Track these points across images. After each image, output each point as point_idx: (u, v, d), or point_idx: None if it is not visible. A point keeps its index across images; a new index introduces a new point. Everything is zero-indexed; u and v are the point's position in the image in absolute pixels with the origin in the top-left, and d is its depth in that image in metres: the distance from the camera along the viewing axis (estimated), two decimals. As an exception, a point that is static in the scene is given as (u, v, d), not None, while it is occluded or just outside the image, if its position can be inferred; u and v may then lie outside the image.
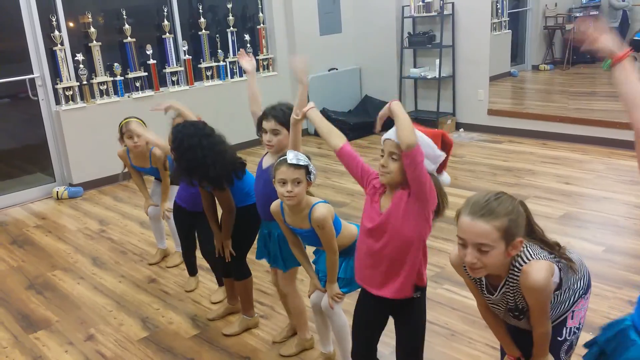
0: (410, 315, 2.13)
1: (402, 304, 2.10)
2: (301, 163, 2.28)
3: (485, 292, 1.88)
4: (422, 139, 1.96)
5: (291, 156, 2.29)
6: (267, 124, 2.61)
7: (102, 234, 4.75)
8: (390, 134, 1.98)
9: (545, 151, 6.02)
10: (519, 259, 1.74)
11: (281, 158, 2.32)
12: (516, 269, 1.74)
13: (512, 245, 1.67)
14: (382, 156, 1.99)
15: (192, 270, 3.76)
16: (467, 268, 1.75)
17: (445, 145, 2.03)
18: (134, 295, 3.67)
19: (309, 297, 2.67)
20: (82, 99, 5.83)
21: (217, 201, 3.00)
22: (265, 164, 2.70)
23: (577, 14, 10.20)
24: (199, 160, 2.70)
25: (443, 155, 2.01)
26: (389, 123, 2.02)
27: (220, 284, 3.57)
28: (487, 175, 5.32)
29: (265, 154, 2.75)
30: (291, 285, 2.84)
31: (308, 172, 2.31)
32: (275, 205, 2.46)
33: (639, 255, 3.64)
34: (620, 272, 3.48)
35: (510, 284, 1.77)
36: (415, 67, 7.40)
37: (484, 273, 1.74)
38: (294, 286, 2.85)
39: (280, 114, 2.61)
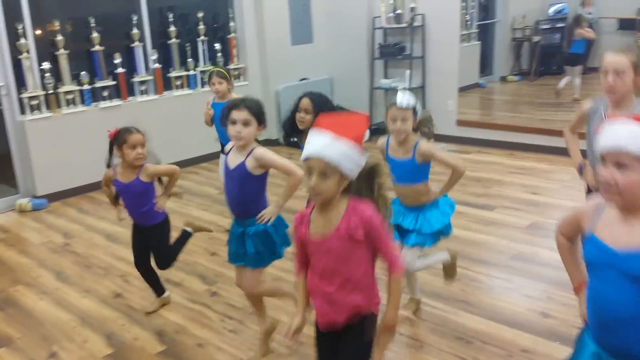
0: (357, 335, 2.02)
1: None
2: (410, 105, 2.83)
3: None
4: (345, 151, 1.82)
5: (401, 99, 2.82)
6: (239, 114, 2.54)
7: (67, 247, 4.64)
8: (313, 150, 1.84)
9: (512, 161, 6.09)
10: None
11: (392, 102, 2.85)
12: None
13: (638, 74, 2.57)
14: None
15: (160, 288, 3.60)
16: (606, 90, 2.62)
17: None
18: (98, 311, 3.58)
19: None
20: (47, 108, 5.71)
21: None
22: (231, 164, 2.64)
23: (545, 26, 10.39)
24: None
25: (365, 158, 1.89)
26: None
27: (158, 294, 3.57)
28: (456, 185, 5.33)
29: (228, 152, 2.68)
30: (256, 286, 2.82)
31: (415, 113, 2.86)
32: (381, 141, 3.01)
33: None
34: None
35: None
36: (386, 77, 7.45)
37: (617, 92, 2.60)
38: (259, 286, 2.84)
39: (254, 105, 2.58)
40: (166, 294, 3.60)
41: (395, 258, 1.94)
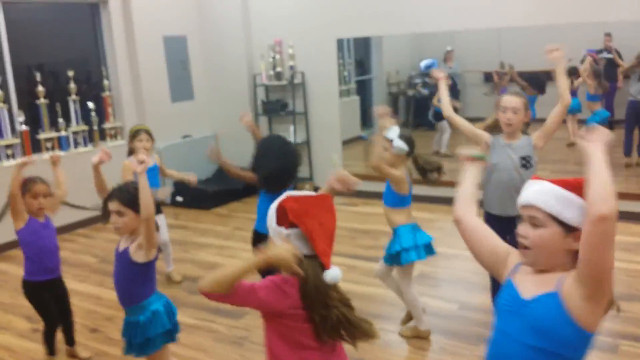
0: None
1: None
2: (389, 137, 3.37)
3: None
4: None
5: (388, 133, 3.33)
6: (111, 205, 2.55)
7: None
8: None
9: (397, 211, 6.24)
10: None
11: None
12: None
13: (526, 115, 3.22)
14: None
15: (53, 349, 3.46)
16: (505, 124, 3.21)
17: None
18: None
19: None
20: None
21: None
22: (121, 247, 2.62)
23: (417, 80, 11.04)
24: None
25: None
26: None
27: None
28: (347, 239, 5.38)
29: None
30: None
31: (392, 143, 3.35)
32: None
33: (489, 309, 3.82)
34: (475, 329, 3.62)
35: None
36: (270, 133, 7.46)
37: (514, 126, 3.21)
38: None
39: (125, 195, 2.54)
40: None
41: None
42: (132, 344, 2.64)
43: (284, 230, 1.79)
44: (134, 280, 2.59)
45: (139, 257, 2.54)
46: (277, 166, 3.12)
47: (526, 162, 3.21)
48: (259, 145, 3.33)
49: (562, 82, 3.16)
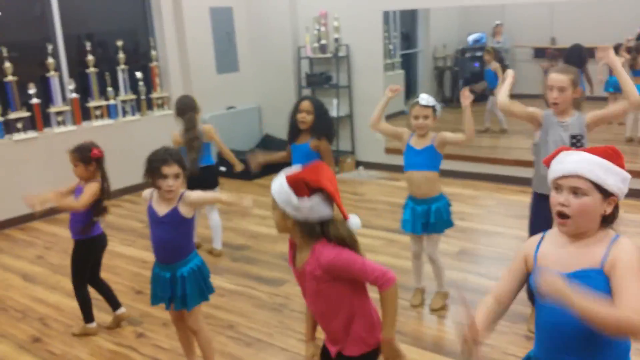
0: None
1: None
2: (430, 104, 3.33)
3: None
4: (281, 188, 1.92)
5: (423, 98, 3.34)
6: (170, 169, 2.62)
7: (-23, 290, 4.30)
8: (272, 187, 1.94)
9: (439, 187, 6.20)
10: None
11: (415, 101, 3.34)
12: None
13: (575, 91, 2.99)
14: None
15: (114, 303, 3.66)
16: (551, 104, 3.04)
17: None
18: (15, 357, 3.32)
19: None
20: (-46, 141, 5.34)
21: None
22: (160, 211, 2.70)
23: (466, 55, 10.80)
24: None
25: (306, 204, 1.88)
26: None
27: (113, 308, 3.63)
28: (387, 212, 5.38)
29: (150, 199, 2.76)
30: (199, 321, 2.87)
31: (435, 111, 3.35)
32: (407, 135, 3.49)
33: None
34: (514, 306, 3.55)
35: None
36: (313, 106, 7.46)
37: (560, 105, 3.02)
38: (202, 321, 2.90)
39: (180, 158, 2.69)
40: (121, 310, 3.63)
41: (379, 276, 1.91)
42: (174, 297, 2.74)
43: (307, 201, 1.87)
44: (184, 235, 2.74)
45: (187, 212, 2.70)
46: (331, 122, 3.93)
47: (577, 141, 3.07)
48: (319, 109, 3.78)
49: (623, 81, 2.93)
